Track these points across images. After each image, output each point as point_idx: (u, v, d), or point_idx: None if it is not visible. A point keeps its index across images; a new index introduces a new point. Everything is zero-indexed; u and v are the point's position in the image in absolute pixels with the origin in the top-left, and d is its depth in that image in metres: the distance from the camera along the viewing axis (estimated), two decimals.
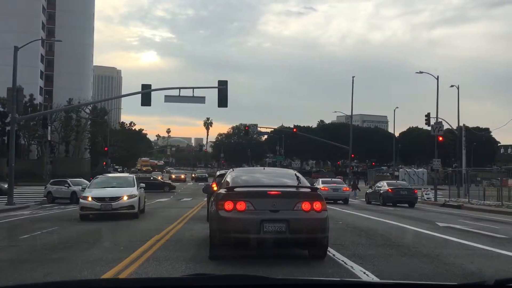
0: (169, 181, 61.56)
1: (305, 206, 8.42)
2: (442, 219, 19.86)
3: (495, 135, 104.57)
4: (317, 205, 8.47)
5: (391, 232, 14.54)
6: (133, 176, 22.49)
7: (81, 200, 19.05)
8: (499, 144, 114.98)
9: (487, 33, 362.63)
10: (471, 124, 71.78)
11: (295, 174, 10.09)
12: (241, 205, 8.32)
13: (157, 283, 3.08)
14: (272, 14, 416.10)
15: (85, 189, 21.36)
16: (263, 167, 13.36)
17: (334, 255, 9.43)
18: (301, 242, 8.60)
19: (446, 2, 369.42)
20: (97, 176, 22.57)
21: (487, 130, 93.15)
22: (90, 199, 18.39)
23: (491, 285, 2.76)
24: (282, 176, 10.13)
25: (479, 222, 18.97)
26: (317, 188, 9.27)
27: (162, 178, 66.38)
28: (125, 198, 18.45)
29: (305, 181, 9.62)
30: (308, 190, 8.98)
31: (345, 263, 8.71)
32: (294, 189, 9.08)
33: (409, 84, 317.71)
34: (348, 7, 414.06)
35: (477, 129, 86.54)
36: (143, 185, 21.41)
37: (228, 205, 8.35)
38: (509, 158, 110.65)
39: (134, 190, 19.26)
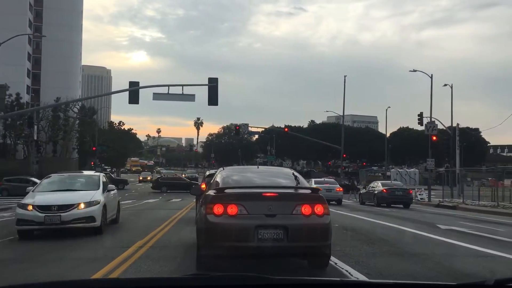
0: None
1: (306, 209, 7.43)
2: (442, 220, 19.12)
3: (484, 135, 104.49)
4: (319, 209, 7.48)
5: (393, 235, 13.72)
6: (100, 174, 16.54)
7: (17, 210, 13.52)
8: (488, 145, 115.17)
9: (475, 34, 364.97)
10: (460, 124, 71.36)
11: (293, 174, 9.04)
12: (232, 209, 7.31)
13: (156, 283, 3.02)
14: (262, 15, 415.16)
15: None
16: (256, 166, 11.90)
17: (336, 263, 8.54)
18: (301, 251, 7.60)
19: (435, 3, 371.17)
20: (49, 175, 16.20)
21: (476, 131, 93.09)
22: (30, 208, 13.10)
23: (491, 285, 2.71)
24: (278, 176, 9.09)
25: (480, 224, 18.25)
26: (318, 190, 8.16)
27: (185, 176, 65.97)
28: (82, 206, 13.30)
29: (304, 182, 8.64)
30: (308, 191, 7.98)
31: (349, 273, 7.81)
32: (292, 191, 8.07)
33: (398, 85, 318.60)
34: (337, 8, 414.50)
35: (467, 129, 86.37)
36: (112, 186, 16.25)
37: (218, 209, 7.34)
38: (498, 158, 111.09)
39: (96, 195, 13.98)
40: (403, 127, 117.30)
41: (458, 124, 45.05)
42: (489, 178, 53.86)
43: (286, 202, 7.56)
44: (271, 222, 7.31)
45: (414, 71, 43.89)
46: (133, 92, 32.31)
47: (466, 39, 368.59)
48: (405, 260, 9.37)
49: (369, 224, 17.17)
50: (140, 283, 3.00)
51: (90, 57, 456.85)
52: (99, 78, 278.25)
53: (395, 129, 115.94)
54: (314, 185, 31.26)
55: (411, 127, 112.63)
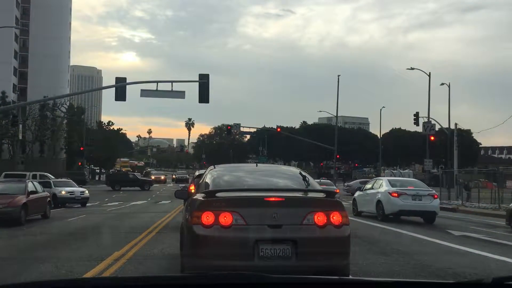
0: None
1: (319, 218, 5.84)
2: (450, 225, 17.65)
3: (475, 136, 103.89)
4: (336, 217, 5.89)
5: (404, 243, 12.24)
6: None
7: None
8: (480, 146, 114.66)
9: (462, 37, 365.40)
10: (452, 125, 70.29)
11: (300, 173, 7.35)
12: (225, 218, 5.71)
13: (154, 281, 2.90)
14: (251, 16, 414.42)
15: None
16: (255, 164, 9.66)
17: None
18: (312, 272, 5.72)
19: (421, 6, 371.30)
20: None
21: (468, 132, 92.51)
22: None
23: (489, 283, 2.60)
24: (282, 176, 7.30)
25: (493, 229, 16.82)
26: (334, 193, 6.58)
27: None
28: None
29: (315, 183, 6.93)
30: (323, 195, 6.32)
31: None
32: (302, 194, 6.43)
33: (388, 87, 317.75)
34: (325, 10, 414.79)
35: (458, 130, 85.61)
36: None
37: (207, 218, 5.73)
38: (490, 160, 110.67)
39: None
40: (395, 128, 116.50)
41: (456, 124, 43.90)
42: (482, 180, 52.89)
43: (294, 209, 5.93)
44: (275, 235, 5.73)
45: (412, 69, 42.96)
46: (120, 88, 30.79)
47: (453, 41, 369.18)
48: (432, 277, 7.88)
49: (375, 230, 15.70)
50: (138, 282, 2.91)
51: (79, 58, 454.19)
52: (89, 78, 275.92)
53: (387, 130, 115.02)
54: None
55: (403, 128, 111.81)
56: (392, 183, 19.94)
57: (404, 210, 18.37)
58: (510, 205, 18.84)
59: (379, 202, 19.12)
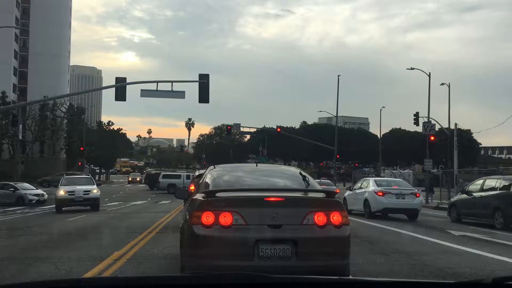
0: None
1: (319, 218, 5.82)
2: (450, 225, 17.68)
3: (475, 136, 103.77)
4: (336, 217, 5.87)
5: (404, 243, 12.25)
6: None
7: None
8: (480, 146, 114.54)
9: (461, 37, 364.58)
10: (452, 125, 69.96)
11: (300, 173, 7.35)
12: (225, 218, 5.69)
13: (154, 281, 2.88)
14: (250, 16, 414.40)
15: None
16: (255, 163, 9.72)
17: None
18: (313, 272, 5.66)
19: (420, 6, 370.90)
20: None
21: (468, 132, 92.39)
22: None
23: (489, 283, 2.61)
24: (282, 176, 7.34)
25: (489, 228, 16.82)
26: (334, 193, 6.53)
27: None
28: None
29: (315, 183, 6.91)
30: (322, 195, 6.29)
31: None
32: (302, 194, 6.42)
33: (388, 87, 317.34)
34: (324, 11, 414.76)
35: (458, 130, 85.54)
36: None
37: (207, 218, 5.72)
38: (490, 160, 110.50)
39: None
40: (395, 128, 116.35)
41: (456, 124, 43.82)
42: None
43: (295, 209, 5.91)
44: (275, 235, 5.70)
45: (412, 69, 42.90)
46: (120, 88, 30.79)
47: (453, 41, 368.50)
48: (434, 277, 7.89)
49: (375, 230, 15.69)
50: (137, 282, 2.90)
51: (79, 58, 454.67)
52: (89, 78, 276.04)
53: (387, 130, 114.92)
54: None
55: (403, 128, 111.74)
56: (378, 183, 21.52)
57: (388, 208, 19.97)
58: (451, 199, 21.28)
59: (366, 200, 20.72)
